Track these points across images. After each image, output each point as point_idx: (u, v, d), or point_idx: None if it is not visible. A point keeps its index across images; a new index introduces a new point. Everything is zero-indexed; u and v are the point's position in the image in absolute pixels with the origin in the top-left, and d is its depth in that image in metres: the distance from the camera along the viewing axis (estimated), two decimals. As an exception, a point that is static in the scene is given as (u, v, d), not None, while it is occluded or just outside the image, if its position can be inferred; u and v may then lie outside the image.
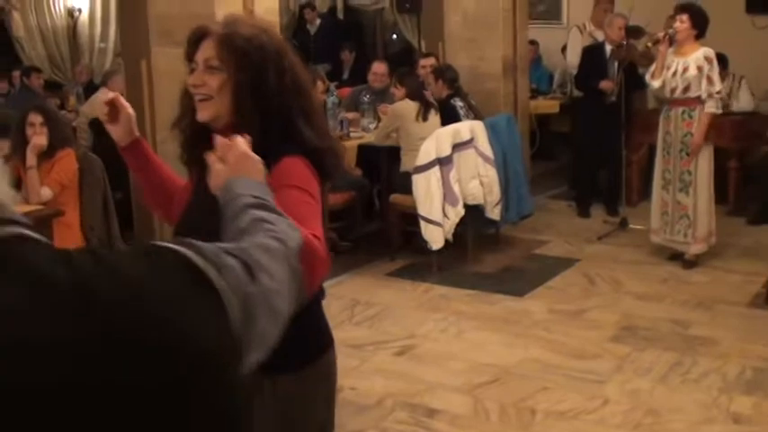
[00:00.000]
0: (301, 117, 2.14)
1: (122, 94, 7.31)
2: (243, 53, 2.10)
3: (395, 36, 12.80)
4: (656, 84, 6.33)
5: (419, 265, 6.54)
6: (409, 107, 6.57)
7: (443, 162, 6.18)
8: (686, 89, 6.18)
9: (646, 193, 7.41)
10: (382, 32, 12.77)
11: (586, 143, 7.98)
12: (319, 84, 6.73)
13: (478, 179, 6.44)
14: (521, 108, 8.01)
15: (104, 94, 4.53)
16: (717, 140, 7.05)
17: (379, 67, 7.90)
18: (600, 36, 8.03)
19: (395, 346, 5.11)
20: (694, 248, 6.33)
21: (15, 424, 0.88)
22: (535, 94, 9.40)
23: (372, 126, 7.27)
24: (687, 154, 6.23)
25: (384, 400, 4.38)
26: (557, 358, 4.88)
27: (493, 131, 6.63)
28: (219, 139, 1.80)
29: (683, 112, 6.24)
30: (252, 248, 1.30)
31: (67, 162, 5.07)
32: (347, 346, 5.08)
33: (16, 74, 10.09)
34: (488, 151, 6.52)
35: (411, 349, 5.07)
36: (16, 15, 11.45)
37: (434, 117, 6.61)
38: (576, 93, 8.34)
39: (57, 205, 4.93)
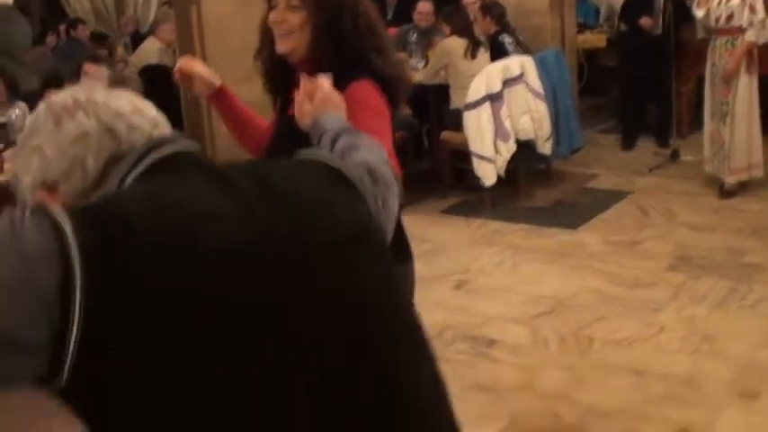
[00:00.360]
0: (374, 53, 2.26)
1: (171, 43, 7.41)
2: None
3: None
4: (700, 13, 6.30)
5: (472, 202, 6.59)
6: (457, 44, 6.57)
7: (494, 98, 6.19)
8: (729, 18, 6.13)
9: (696, 124, 7.37)
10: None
11: (633, 77, 7.91)
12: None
13: (529, 114, 6.45)
14: (568, 43, 7.95)
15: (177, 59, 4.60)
16: (764, 69, 6.97)
17: (424, 6, 7.87)
18: None
19: (452, 280, 5.20)
20: (730, 179, 6.31)
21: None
22: (582, 28, 9.31)
23: (421, 65, 7.28)
24: (727, 83, 6.21)
25: (444, 331, 4.47)
26: (613, 288, 4.93)
27: (542, 66, 6.62)
28: (305, 80, 1.91)
29: (727, 41, 6.20)
30: (361, 160, 1.60)
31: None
32: (404, 282, 5.18)
33: (62, 27, 10.21)
34: (538, 86, 6.51)
35: (468, 283, 5.15)
36: (60, -32, 11.55)
37: (483, 54, 6.61)
38: (623, 26, 8.25)
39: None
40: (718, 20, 6.18)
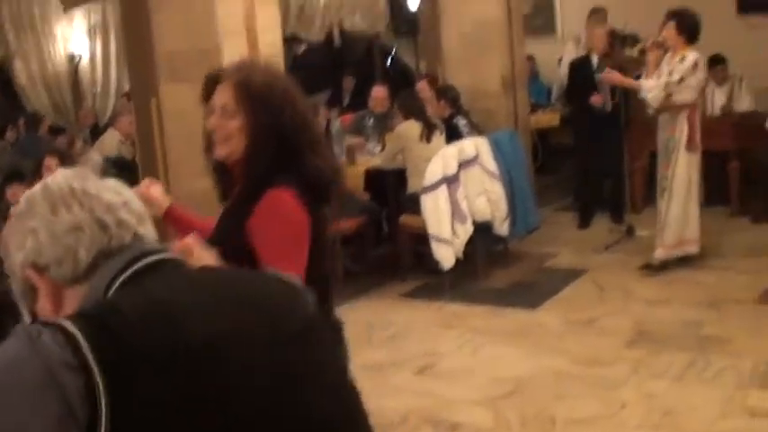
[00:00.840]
0: (308, 149, 2.34)
1: (130, 135, 7.44)
2: (258, 98, 2.32)
3: (390, 59, 12.94)
4: (653, 108, 6.43)
5: (431, 285, 6.63)
6: (412, 128, 6.68)
7: (450, 180, 6.29)
8: (669, 96, 6.27)
9: (650, 198, 7.50)
10: (380, 56, 12.89)
11: (586, 155, 8.08)
12: (322, 111, 6.87)
13: (485, 195, 6.56)
14: (521, 123, 8.13)
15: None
16: (716, 142, 7.18)
17: (378, 92, 8.03)
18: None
19: (414, 365, 5.20)
20: (657, 252, 6.41)
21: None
22: (535, 108, 9.52)
23: (377, 150, 7.40)
24: (667, 159, 6.32)
25: (408, 417, 4.47)
26: (573, 367, 4.97)
27: (496, 147, 6.75)
28: (177, 245, 1.90)
29: (669, 117, 6.36)
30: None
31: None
32: (367, 368, 5.16)
33: (21, 121, 10.24)
34: (493, 167, 6.63)
35: (430, 367, 5.16)
36: (18, 64, 11.61)
37: (439, 137, 6.73)
38: (572, 105, 8.47)
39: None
40: (665, 98, 6.32)
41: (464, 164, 6.42)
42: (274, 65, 2.68)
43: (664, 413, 4.30)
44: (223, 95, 2.34)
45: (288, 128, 2.32)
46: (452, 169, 6.32)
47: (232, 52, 5.42)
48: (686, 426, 4.16)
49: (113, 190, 1.43)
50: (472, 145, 6.59)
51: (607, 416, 4.33)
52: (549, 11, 10.84)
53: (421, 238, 6.57)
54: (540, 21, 10.95)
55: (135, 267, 1.36)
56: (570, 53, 8.82)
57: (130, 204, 1.43)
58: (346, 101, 11.50)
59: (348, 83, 11.75)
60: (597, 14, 8.55)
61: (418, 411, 4.53)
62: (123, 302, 1.30)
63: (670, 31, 6.26)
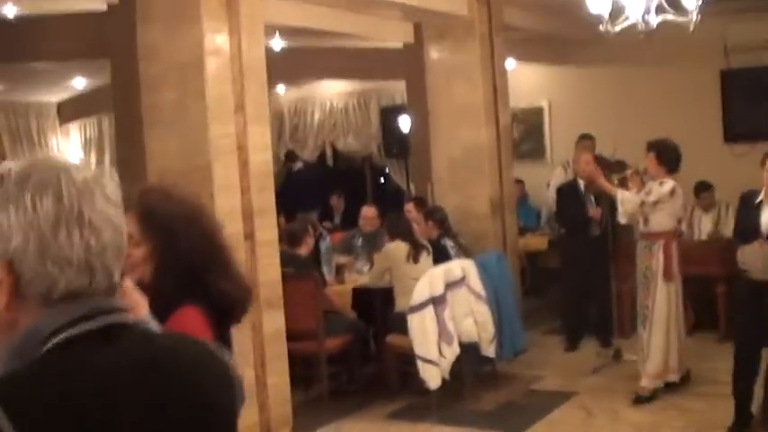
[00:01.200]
0: (214, 272, 2.39)
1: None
2: (160, 227, 2.41)
3: (382, 180, 13.13)
4: (624, 220, 6.54)
5: (418, 405, 6.56)
6: (400, 248, 6.73)
7: (437, 301, 6.30)
8: (647, 222, 6.34)
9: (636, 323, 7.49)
10: (372, 177, 13.09)
11: (573, 277, 8.10)
12: (307, 236, 6.91)
13: (472, 317, 6.56)
14: (510, 245, 8.18)
15: None
16: (703, 268, 7.23)
17: (368, 211, 8.12)
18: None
19: (397, 487, 5.11)
20: (644, 382, 6.35)
21: None
22: (523, 231, 9.59)
23: (366, 269, 7.43)
24: (646, 287, 6.32)
25: None
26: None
27: (484, 269, 6.78)
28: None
29: (645, 246, 6.37)
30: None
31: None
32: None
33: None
34: (480, 289, 6.65)
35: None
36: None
37: (426, 258, 6.76)
38: (561, 229, 8.55)
39: None
40: (638, 224, 6.43)
41: (451, 285, 6.44)
42: (180, 188, 2.75)
43: None
44: (128, 225, 2.40)
45: (192, 252, 2.38)
46: (439, 290, 6.34)
47: (223, 170, 5.50)
48: None
49: (113, 225, 1.39)
50: (459, 266, 6.63)
51: None
52: (539, 136, 11.04)
53: (408, 358, 6.53)
54: (530, 145, 11.14)
55: (84, 326, 1.32)
56: (558, 178, 8.96)
57: (121, 245, 1.40)
58: (337, 219, 11.61)
59: (337, 201, 11.88)
60: (585, 141, 8.70)
61: None
62: (50, 371, 1.28)
63: (651, 162, 6.33)
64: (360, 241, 7.84)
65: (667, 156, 6.32)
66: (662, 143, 6.39)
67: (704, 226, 8.67)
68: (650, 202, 6.25)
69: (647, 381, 6.32)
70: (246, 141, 5.61)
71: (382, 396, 6.81)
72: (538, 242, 9.77)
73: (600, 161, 7.96)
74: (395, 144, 11.33)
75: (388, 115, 11.62)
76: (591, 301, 8.10)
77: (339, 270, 7.32)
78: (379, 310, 7.02)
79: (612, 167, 7.85)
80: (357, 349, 6.98)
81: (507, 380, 7.16)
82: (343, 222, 11.30)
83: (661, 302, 6.26)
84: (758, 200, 5.20)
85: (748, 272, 5.25)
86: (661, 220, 6.30)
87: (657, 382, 6.35)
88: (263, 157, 5.75)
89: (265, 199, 5.77)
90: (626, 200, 6.36)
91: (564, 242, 8.49)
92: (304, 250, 6.87)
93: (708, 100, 9.56)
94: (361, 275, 7.37)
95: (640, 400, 6.28)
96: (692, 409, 6.13)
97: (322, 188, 12.27)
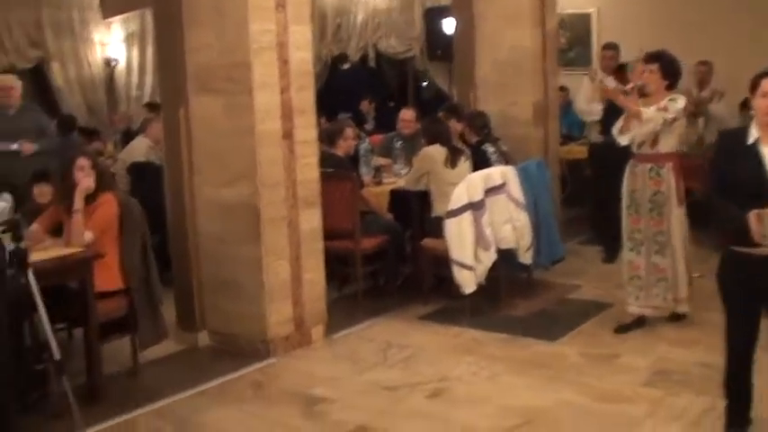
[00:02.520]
0: None
1: (160, 141, 7.50)
2: None
3: (425, 83, 12.99)
4: (623, 140, 5.84)
5: (451, 309, 6.59)
6: (438, 152, 6.67)
7: (475, 206, 6.25)
8: (654, 143, 5.83)
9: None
10: (414, 79, 12.93)
11: (608, 189, 7.96)
12: (349, 131, 6.87)
13: (511, 224, 6.51)
14: (551, 153, 8.09)
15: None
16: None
17: (406, 114, 8.04)
18: (610, 83, 8.08)
19: (428, 388, 5.15)
20: (682, 307, 6.10)
21: None
22: (566, 139, 9.45)
23: (404, 171, 7.39)
24: (659, 214, 5.87)
25: (417, 441, 4.42)
26: (589, 402, 4.89)
27: (524, 176, 6.71)
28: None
29: (651, 170, 5.86)
30: None
31: (109, 206, 5.20)
32: (381, 387, 5.15)
33: (54, 123, 10.30)
34: (520, 196, 6.59)
35: (444, 392, 5.09)
36: (55, 66, 11.74)
37: (464, 163, 6.70)
38: (595, 138, 8.35)
39: (97, 248, 5.05)
40: (641, 145, 5.85)
41: (490, 191, 6.39)
42: None
43: (679, 455, 4.21)
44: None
45: None
46: (478, 195, 6.28)
47: (263, 67, 5.44)
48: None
49: None
50: (499, 172, 6.56)
51: (620, 454, 4.25)
52: (586, 43, 10.80)
53: (443, 262, 6.52)
54: (576, 53, 10.92)
55: None
56: (586, 87, 8.69)
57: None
58: (369, 125, 11.49)
59: (367, 107, 11.76)
60: (608, 51, 8.45)
61: (429, 436, 4.48)
62: None
63: (653, 75, 5.79)
64: (399, 144, 7.78)
65: (672, 69, 5.81)
66: (665, 55, 5.87)
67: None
68: (669, 120, 5.77)
69: (684, 306, 6.09)
70: (287, 39, 5.54)
71: (415, 298, 6.84)
72: (579, 151, 9.60)
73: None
74: (438, 47, 11.13)
75: (432, 17, 11.39)
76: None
77: (377, 172, 7.28)
78: (415, 213, 7.00)
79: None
80: (393, 250, 6.98)
81: (542, 288, 7.16)
82: (376, 127, 11.22)
83: (678, 227, 5.90)
84: (751, 140, 3.76)
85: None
86: (671, 141, 5.86)
87: (686, 307, 6.10)
88: (303, 56, 5.68)
89: (305, 98, 5.72)
90: (650, 118, 5.73)
91: (598, 152, 8.31)
92: (342, 150, 6.83)
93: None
94: (400, 178, 7.33)
95: (678, 318, 6.14)
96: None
97: (363, 90, 12.14)
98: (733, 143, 3.81)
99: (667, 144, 5.85)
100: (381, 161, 7.58)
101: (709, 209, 3.74)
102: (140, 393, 5.19)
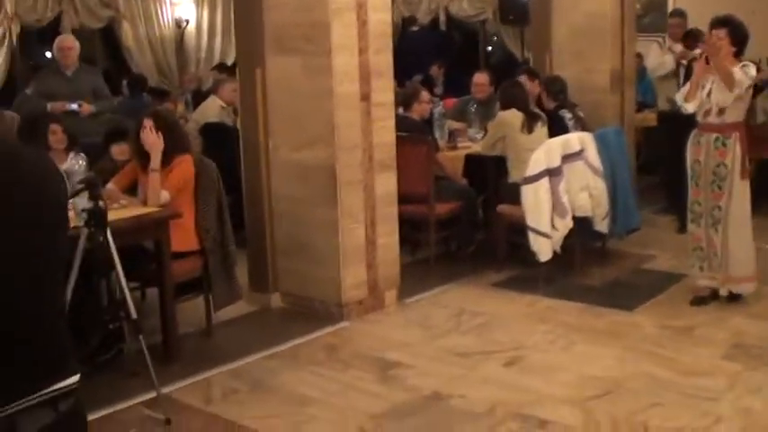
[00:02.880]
0: None
1: (232, 103, 7.49)
2: None
3: (489, 48, 12.80)
4: (690, 107, 5.64)
5: (525, 277, 6.52)
6: (515, 117, 6.57)
7: (553, 173, 6.16)
8: (721, 112, 5.55)
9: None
10: (484, 43, 12.78)
11: (680, 159, 7.79)
12: (424, 94, 6.80)
13: (588, 191, 6.41)
14: (627, 120, 7.93)
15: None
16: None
17: (480, 78, 7.93)
18: (678, 48, 7.90)
19: (503, 356, 5.10)
20: (745, 287, 5.81)
21: None
22: (641, 106, 9.26)
23: (479, 136, 7.30)
24: (719, 187, 5.61)
25: (494, 409, 4.38)
26: (667, 374, 4.80)
27: (602, 143, 6.58)
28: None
29: (717, 140, 5.59)
30: None
31: (185, 167, 5.21)
32: (455, 354, 5.12)
33: (125, 82, 10.40)
34: (598, 163, 6.47)
35: (519, 360, 5.05)
36: (126, 26, 11.81)
37: (541, 128, 6.59)
38: (663, 106, 8.16)
39: (174, 208, 5.07)
40: (707, 113, 5.60)
41: (568, 157, 6.28)
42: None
43: (762, 430, 4.12)
44: None
45: None
46: (556, 162, 6.18)
47: (341, 28, 5.38)
48: (786, 446, 3.98)
49: None
50: (577, 139, 6.44)
51: (702, 428, 4.16)
52: (661, 9, 10.54)
53: (518, 228, 6.45)
54: (651, 19, 10.67)
55: None
56: (655, 55, 8.46)
57: None
58: (438, 90, 11.37)
59: (437, 72, 11.61)
60: (675, 18, 8.28)
61: (505, 404, 4.43)
62: None
63: (723, 41, 5.48)
64: (474, 108, 7.68)
65: (740, 34, 5.54)
66: (733, 20, 5.58)
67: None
68: (745, 88, 5.50)
69: (747, 285, 5.79)
70: (366, 0, 5.46)
71: (489, 265, 6.78)
72: (652, 118, 9.39)
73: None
74: (511, 10, 10.97)
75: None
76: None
77: (452, 136, 7.21)
78: (491, 179, 6.91)
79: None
80: (467, 216, 6.91)
81: (617, 257, 7.05)
82: (445, 91, 11.09)
83: (741, 202, 5.63)
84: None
85: None
86: (739, 110, 5.59)
87: (749, 287, 5.81)
88: (382, 17, 5.61)
89: (383, 60, 5.66)
90: (740, 80, 5.45)
91: (671, 120, 8.09)
92: (417, 114, 6.76)
93: None
94: (475, 143, 7.25)
95: (737, 299, 5.83)
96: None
97: (431, 54, 12.01)
98: None
99: (735, 113, 5.58)
100: (455, 125, 7.50)
101: None
102: (214, 353, 5.23)
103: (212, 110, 7.91)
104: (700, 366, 4.90)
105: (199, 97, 9.53)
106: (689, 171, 5.79)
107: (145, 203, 5.08)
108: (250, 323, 5.83)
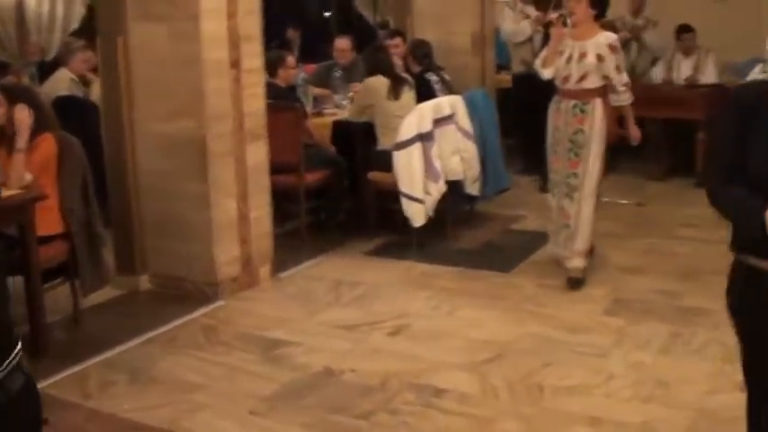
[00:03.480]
0: None
1: (84, 74, 7.06)
2: None
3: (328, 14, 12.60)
4: (546, 73, 5.55)
5: (398, 243, 6.46)
6: (380, 83, 6.45)
7: (425, 138, 6.09)
8: (582, 78, 5.41)
9: (612, 165, 7.22)
10: (338, 8, 12.61)
11: (533, 121, 7.88)
12: (290, 59, 6.60)
13: (459, 154, 6.38)
14: (488, 83, 7.96)
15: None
16: (684, 112, 7.06)
17: (341, 43, 7.79)
18: (531, 11, 8.01)
19: (388, 325, 5.01)
20: (576, 262, 5.57)
21: None
22: (498, 69, 9.32)
23: (345, 102, 7.15)
24: (576, 155, 5.46)
25: (388, 381, 4.28)
26: (554, 333, 4.84)
27: (471, 106, 6.56)
28: None
29: (575, 106, 5.44)
30: None
31: (47, 145, 4.82)
32: (339, 327, 5.00)
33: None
34: (468, 126, 6.45)
35: (405, 328, 4.97)
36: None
37: (408, 93, 6.50)
38: (517, 69, 8.26)
39: (38, 189, 4.70)
40: (566, 79, 5.44)
41: (439, 121, 6.23)
42: None
43: (655, 384, 4.18)
44: None
45: None
46: (428, 126, 6.12)
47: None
48: (679, 399, 4.04)
49: None
50: (448, 103, 6.40)
51: (596, 385, 4.20)
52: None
53: (388, 195, 6.36)
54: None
55: None
56: (508, 16, 8.51)
57: None
58: (296, 52, 11.13)
59: (293, 34, 11.35)
60: None
61: (398, 375, 4.34)
62: None
63: (580, 4, 5.35)
64: (338, 74, 7.52)
65: None
66: None
67: (683, 71, 8.48)
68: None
69: (580, 260, 5.57)
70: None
71: (359, 233, 6.68)
72: (508, 80, 9.49)
73: None
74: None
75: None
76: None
77: (317, 103, 7.03)
78: (359, 146, 6.78)
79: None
80: (337, 185, 6.77)
81: (486, 219, 7.08)
82: (302, 56, 10.86)
83: (594, 170, 5.47)
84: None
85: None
86: (597, 76, 5.42)
87: (584, 262, 5.61)
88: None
89: (252, 23, 5.41)
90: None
91: (521, 84, 8.17)
92: (283, 80, 6.55)
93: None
94: (341, 109, 7.09)
95: (577, 284, 5.52)
96: (680, 253, 6.11)
97: (285, 17, 11.74)
98: (757, 105, 2.44)
99: (593, 79, 5.41)
100: (318, 92, 7.32)
101: (713, 200, 2.60)
102: (86, 343, 4.90)
103: (63, 83, 7.42)
104: (584, 323, 4.95)
105: (45, 69, 8.96)
106: (549, 138, 5.64)
107: (6, 186, 4.67)
108: (119, 308, 5.50)
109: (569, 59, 5.43)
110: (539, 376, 4.30)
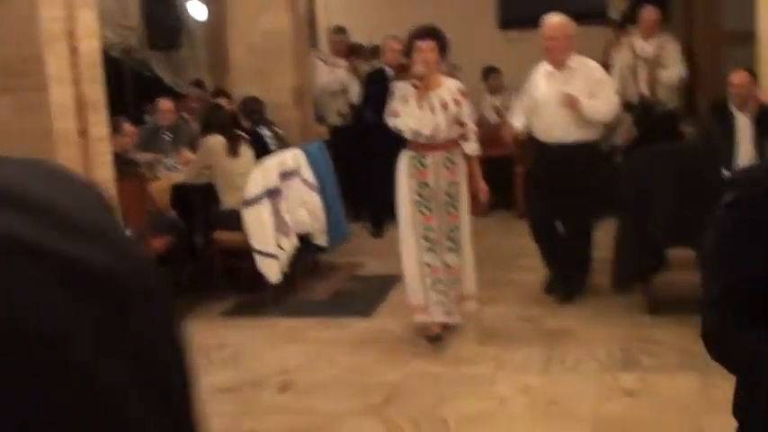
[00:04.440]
0: None
1: None
2: None
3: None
4: (402, 124, 5.22)
5: (251, 301, 6.40)
6: (218, 142, 6.41)
7: (273, 193, 6.11)
8: (446, 129, 5.22)
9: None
10: (131, 72, 12.31)
11: (353, 172, 8.14)
12: (126, 126, 6.45)
13: (305, 207, 6.44)
14: (311, 135, 8.06)
15: None
16: (500, 150, 7.44)
17: (165, 104, 7.67)
18: (342, 64, 8.45)
19: (273, 383, 4.96)
20: (470, 306, 5.50)
21: None
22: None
23: (177, 165, 7.03)
24: (454, 207, 5.27)
25: (294, 436, 4.26)
26: (437, 368, 4.98)
27: (310, 158, 6.64)
28: None
29: (447, 159, 5.25)
30: None
31: None
32: (222, 390, 4.88)
33: None
34: (312, 179, 6.53)
35: (292, 384, 4.93)
36: None
37: (246, 150, 6.49)
38: (334, 120, 8.61)
39: None
40: (435, 131, 5.18)
41: (285, 176, 6.27)
42: None
43: (547, 403, 4.40)
44: None
45: None
46: (274, 181, 6.14)
47: (54, 59, 4.94)
48: (574, 413, 4.29)
49: None
50: (291, 157, 6.45)
51: (494, 411, 4.37)
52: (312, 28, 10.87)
53: (236, 254, 6.32)
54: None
55: None
56: (323, 72, 8.77)
57: None
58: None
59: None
60: (340, 35, 8.89)
61: (302, 430, 4.33)
62: None
63: (433, 54, 5.13)
64: (165, 136, 7.39)
65: (447, 44, 5.26)
66: (438, 30, 5.27)
67: (492, 109, 8.95)
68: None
69: (472, 304, 5.52)
70: (75, 27, 5.05)
71: (208, 295, 6.55)
72: (325, 132, 9.66)
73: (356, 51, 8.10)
74: (161, 36, 10.66)
75: (150, 3, 10.86)
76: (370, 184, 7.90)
77: (149, 167, 6.87)
78: (199, 208, 6.68)
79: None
80: (181, 249, 6.62)
81: (329, 269, 7.15)
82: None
83: (466, 217, 5.35)
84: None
85: None
86: (455, 125, 5.27)
87: (476, 305, 5.55)
88: (93, 45, 5.21)
89: (96, 91, 5.26)
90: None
91: (340, 135, 8.50)
92: (119, 147, 6.37)
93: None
94: (172, 172, 6.96)
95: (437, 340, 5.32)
96: (522, 281, 6.40)
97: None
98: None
99: (456, 127, 5.28)
100: (147, 156, 7.15)
101: (722, 351, 1.90)
102: None
103: None
104: (462, 355, 5.13)
105: None
106: (411, 196, 5.27)
107: None
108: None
109: (432, 110, 5.16)
110: (439, 410, 4.41)
